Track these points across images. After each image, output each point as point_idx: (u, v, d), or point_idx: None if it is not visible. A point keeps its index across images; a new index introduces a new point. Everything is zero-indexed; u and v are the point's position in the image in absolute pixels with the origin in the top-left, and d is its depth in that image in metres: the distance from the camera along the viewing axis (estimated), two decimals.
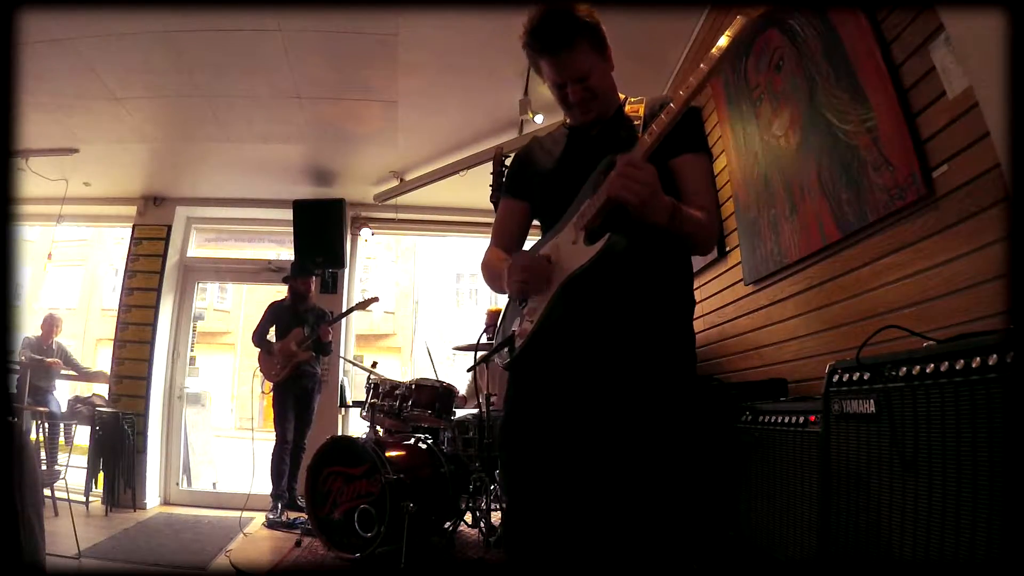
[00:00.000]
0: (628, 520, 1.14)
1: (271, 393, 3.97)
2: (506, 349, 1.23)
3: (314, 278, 4.19)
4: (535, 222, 1.41)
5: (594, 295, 1.15)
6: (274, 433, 3.93)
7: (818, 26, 1.83)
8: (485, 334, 3.36)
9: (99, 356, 11.54)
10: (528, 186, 1.37)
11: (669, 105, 1.10)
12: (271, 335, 4.07)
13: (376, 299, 4.06)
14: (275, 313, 4.09)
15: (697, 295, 2.91)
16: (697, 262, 2.87)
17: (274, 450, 3.84)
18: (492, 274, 1.34)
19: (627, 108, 1.28)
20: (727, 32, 1.09)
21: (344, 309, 4.34)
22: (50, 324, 4.66)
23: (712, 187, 1.29)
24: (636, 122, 1.23)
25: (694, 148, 1.24)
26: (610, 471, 1.15)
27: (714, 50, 1.08)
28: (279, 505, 3.70)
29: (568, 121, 1.37)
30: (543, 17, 1.17)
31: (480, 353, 3.04)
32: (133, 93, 3.31)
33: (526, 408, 1.24)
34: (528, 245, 1.38)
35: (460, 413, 3.26)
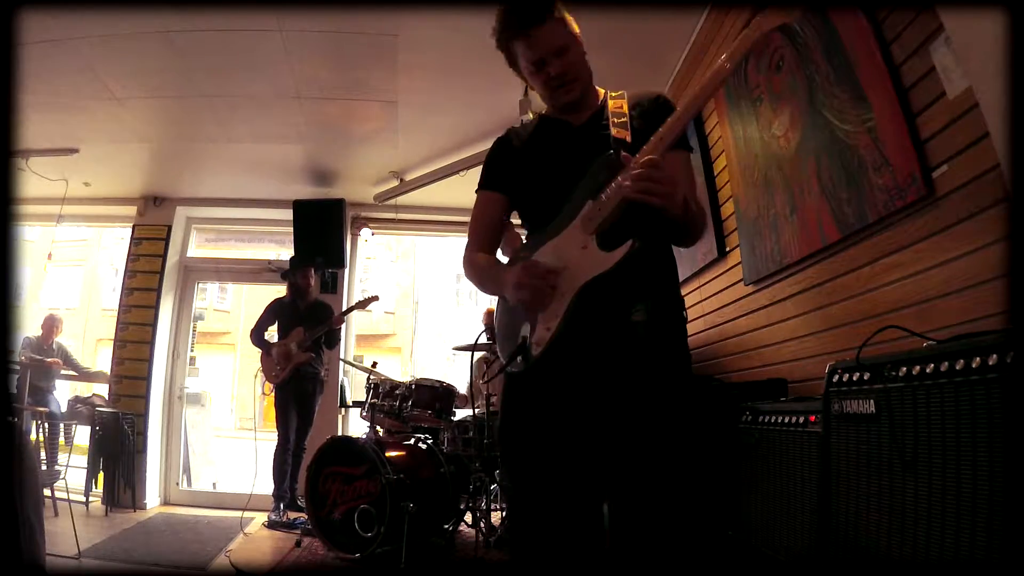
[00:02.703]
0: (635, 520, 1.14)
1: (272, 395, 3.96)
2: (519, 358, 1.18)
3: (313, 270, 4.17)
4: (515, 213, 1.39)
5: (612, 301, 1.14)
6: (275, 433, 3.93)
7: (818, 26, 1.83)
8: (484, 335, 3.37)
9: (99, 356, 11.53)
10: (507, 179, 1.33)
11: (670, 104, 1.12)
12: (273, 335, 4.07)
13: (376, 298, 4.06)
14: (276, 311, 4.08)
15: (697, 295, 2.93)
16: (697, 262, 2.87)
17: (276, 450, 3.84)
18: (481, 278, 1.31)
19: (610, 103, 1.26)
20: (739, 45, 1.11)
21: (344, 309, 4.34)
22: (50, 324, 4.66)
23: (695, 182, 1.30)
24: (622, 118, 1.21)
25: (682, 146, 1.25)
26: (625, 473, 1.15)
27: (732, 50, 1.10)
28: (281, 505, 3.70)
29: (546, 111, 1.36)
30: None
31: (479, 353, 3.03)
32: (133, 93, 3.31)
33: (540, 413, 1.21)
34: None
35: (460, 414, 3.27)
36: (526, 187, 1.31)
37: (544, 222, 1.23)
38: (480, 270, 1.31)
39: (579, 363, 1.16)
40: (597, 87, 1.32)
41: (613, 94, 1.29)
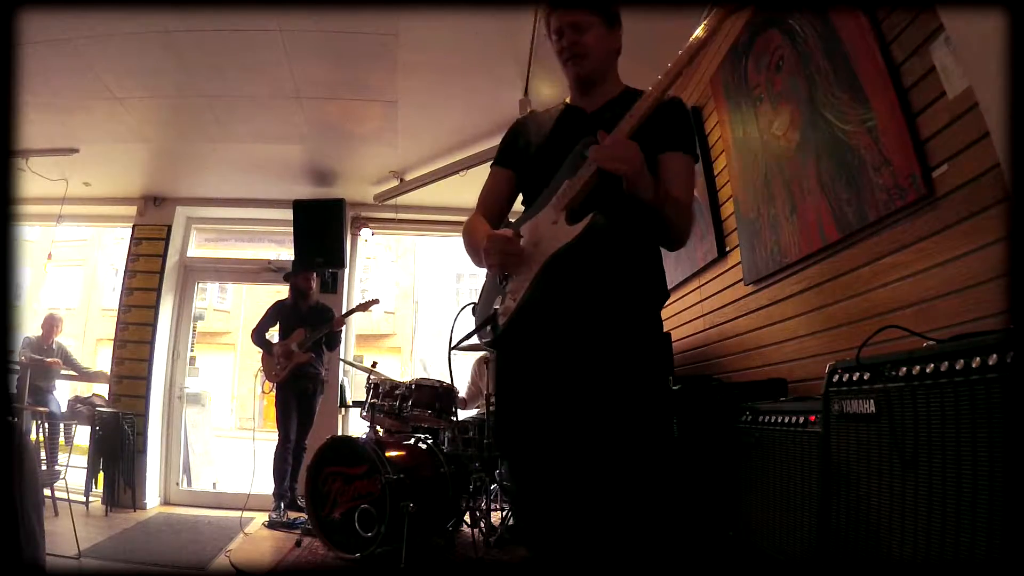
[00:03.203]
0: (611, 500, 1.16)
1: (272, 393, 3.96)
2: (489, 327, 1.26)
3: (314, 273, 4.18)
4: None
5: (575, 273, 1.17)
6: (275, 433, 3.93)
7: (818, 26, 1.83)
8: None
9: (99, 356, 11.54)
10: (516, 156, 1.40)
11: (648, 90, 1.16)
12: (275, 336, 4.07)
13: (376, 301, 4.07)
14: (277, 313, 4.09)
15: (697, 295, 2.93)
16: (697, 262, 2.87)
17: (276, 450, 3.84)
18: (471, 244, 1.37)
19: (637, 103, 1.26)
20: (704, 23, 1.17)
21: (344, 310, 4.34)
22: (50, 324, 4.66)
23: (691, 187, 1.30)
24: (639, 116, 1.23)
25: (683, 148, 1.28)
26: (593, 448, 1.17)
27: (692, 39, 1.16)
28: (281, 505, 3.70)
29: (568, 100, 1.41)
30: None
31: (479, 353, 3.03)
32: (133, 93, 3.31)
33: (512, 388, 1.28)
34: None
35: (462, 415, 3.26)
36: (532, 166, 1.35)
37: (533, 199, 1.29)
38: (470, 235, 1.38)
39: (543, 334, 1.20)
40: (629, 85, 1.37)
41: (633, 90, 1.33)
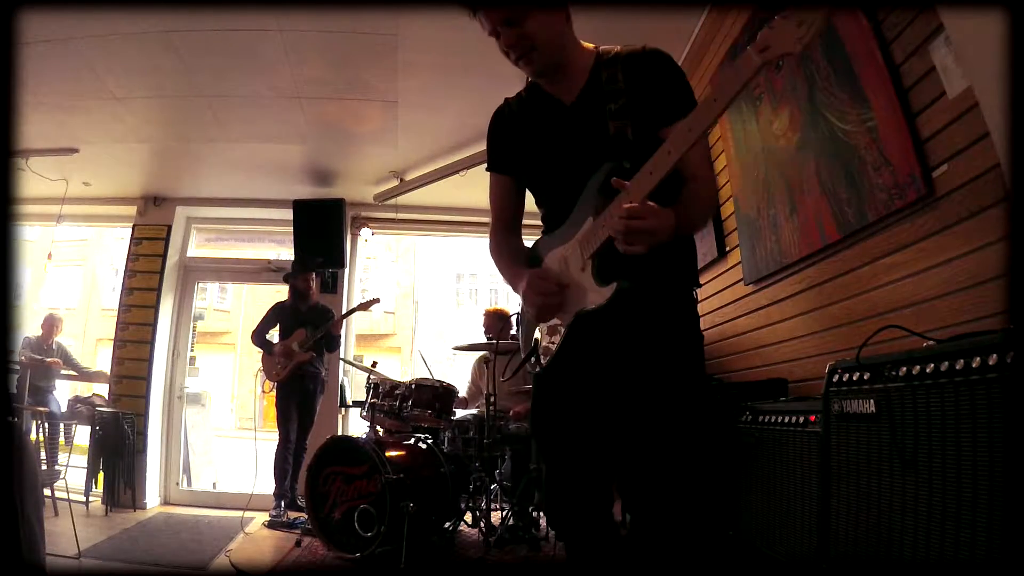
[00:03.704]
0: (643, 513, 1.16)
1: (273, 393, 3.96)
2: (533, 359, 1.28)
3: (314, 274, 4.17)
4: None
5: (605, 334, 1.16)
6: (276, 433, 3.93)
7: None
8: (485, 336, 3.38)
9: (99, 356, 11.53)
10: (511, 161, 1.34)
11: (668, 63, 1.14)
12: (275, 336, 4.07)
13: (377, 300, 4.06)
14: (278, 314, 4.09)
15: (697, 295, 2.93)
16: (697, 262, 2.87)
17: (277, 450, 3.84)
18: (502, 270, 1.34)
19: (603, 73, 1.17)
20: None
21: (344, 309, 4.34)
22: (50, 324, 4.66)
23: (708, 157, 1.26)
24: (619, 99, 1.14)
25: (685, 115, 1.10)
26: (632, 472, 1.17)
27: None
28: (282, 504, 3.70)
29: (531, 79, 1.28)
30: None
31: (479, 353, 3.03)
32: (133, 93, 3.31)
33: (552, 417, 1.27)
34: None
35: (460, 414, 3.26)
36: (530, 173, 1.32)
37: (553, 216, 1.25)
38: (501, 262, 1.34)
39: (579, 381, 1.20)
40: (586, 44, 1.23)
41: (605, 58, 1.19)
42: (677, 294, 1.21)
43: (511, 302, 4.69)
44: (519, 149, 1.31)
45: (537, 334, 1.27)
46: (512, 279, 1.27)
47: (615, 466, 1.19)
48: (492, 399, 2.95)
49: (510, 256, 1.33)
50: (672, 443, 1.12)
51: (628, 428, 1.15)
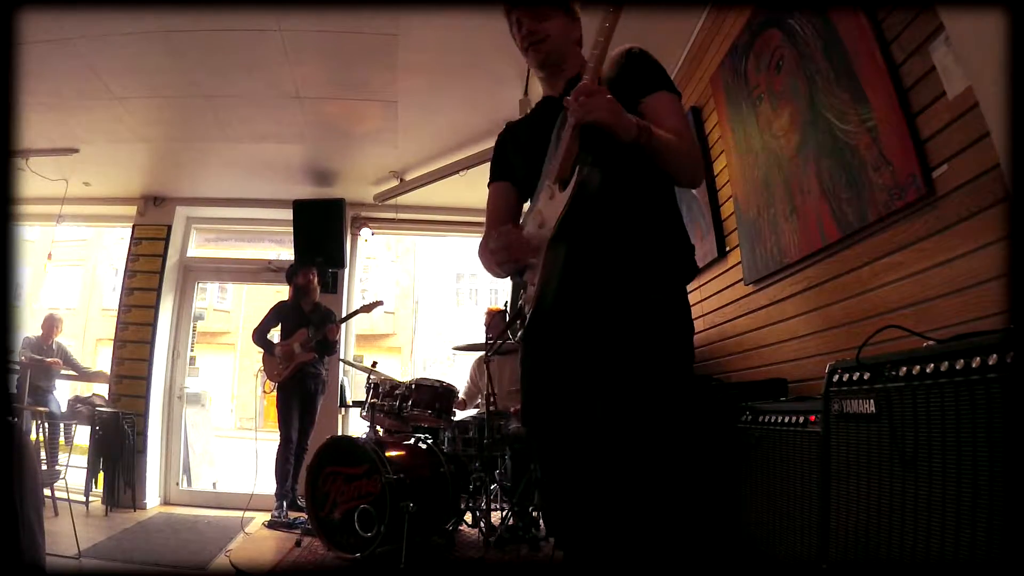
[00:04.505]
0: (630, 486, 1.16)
1: (273, 393, 3.96)
2: (518, 322, 1.26)
3: (314, 270, 4.16)
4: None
5: (583, 235, 1.15)
6: (275, 433, 3.93)
7: (818, 26, 1.83)
8: (487, 335, 3.37)
9: (99, 356, 11.54)
10: (509, 167, 1.41)
11: (642, 55, 1.23)
12: (275, 336, 4.07)
13: (380, 303, 4.06)
14: (279, 313, 4.08)
15: (697, 295, 2.93)
16: (697, 262, 2.87)
17: (279, 450, 3.84)
18: (485, 260, 1.36)
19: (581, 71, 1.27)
20: None
21: (344, 309, 4.34)
22: (50, 324, 4.66)
23: (684, 119, 1.27)
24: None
25: (658, 87, 1.26)
26: (614, 440, 1.16)
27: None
28: (283, 504, 3.70)
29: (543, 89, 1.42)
30: None
31: (479, 353, 3.02)
32: (133, 93, 3.31)
33: (538, 376, 1.28)
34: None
35: (460, 415, 3.26)
36: (523, 172, 1.35)
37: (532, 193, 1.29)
38: (481, 253, 1.36)
39: (566, 311, 1.19)
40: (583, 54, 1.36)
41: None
42: (666, 288, 1.21)
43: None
44: (518, 150, 1.36)
45: (474, 367, 1.28)
46: (488, 258, 1.29)
47: (606, 462, 1.19)
48: (492, 399, 2.95)
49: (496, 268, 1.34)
50: (650, 440, 1.12)
51: (610, 423, 1.15)
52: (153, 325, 4.43)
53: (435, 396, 3.07)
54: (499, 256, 1.19)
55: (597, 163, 1.11)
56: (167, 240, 4.62)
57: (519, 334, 1.27)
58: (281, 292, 4.27)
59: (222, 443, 7.17)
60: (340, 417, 4.57)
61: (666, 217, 1.26)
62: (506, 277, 1.32)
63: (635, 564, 1.12)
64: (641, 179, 1.21)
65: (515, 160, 1.38)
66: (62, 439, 4.26)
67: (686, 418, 1.18)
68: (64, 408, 4.38)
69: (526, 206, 1.41)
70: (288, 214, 4.54)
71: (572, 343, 1.20)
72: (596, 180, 1.10)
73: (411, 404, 3.03)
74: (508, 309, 1.43)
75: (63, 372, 4.62)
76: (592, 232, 1.16)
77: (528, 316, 1.21)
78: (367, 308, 4.04)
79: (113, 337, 4.54)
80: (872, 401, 1.17)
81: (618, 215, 1.17)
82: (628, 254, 1.17)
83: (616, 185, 1.16)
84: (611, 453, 1.16)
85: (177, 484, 4.48)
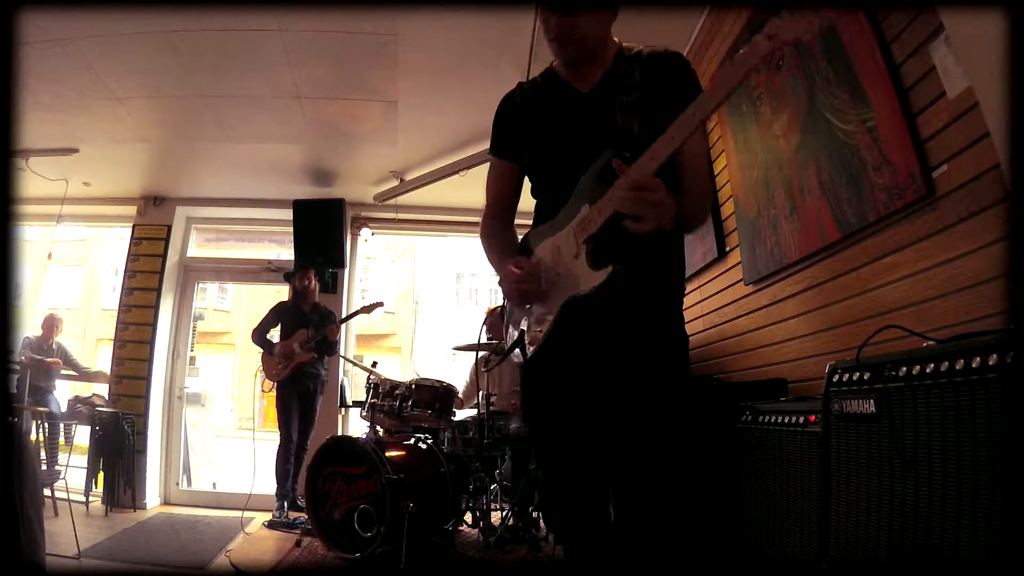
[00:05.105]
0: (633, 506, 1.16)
1: (273, 393, 3.96)
2: (518, 349, 1.26)
3: (313, 271, 4.16)
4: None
5: (596, 320, 1.15)
6: (274, 433, 3.92)
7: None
8: (486, 334, 3.37)
9: (99, 356, 11.54)
10: (517, 145, 1.33)
11: (687, 68, 1.16)
12: (275, 336, 4.07)
13: (381, 303, 4.06)
14: (279, 314, 4.08)
15: (697, 295, 2.92)
16: (697, 262, 2.87)
17: (279, 450, 3.84)
18: (490, 253, 1.35)
19: (621, 68, 1.20)
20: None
21: (344, 309, 4.34)
22: (50, 324, 4.66)
23: (706, 153, 1.25)
24: (631, 94, 1.16)
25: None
26: (621, 460, 1.17)
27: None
28: (284, 504, 3.70)
29: (554, 65, 1.31)
30: None
31: (484, 353, 3.04)
32: (133, 93, 3.31)
33: (542, 406, 1.28)
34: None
35: (460, 414, 3.26)
36: (533, 158, 1.30)
37: (549, 205, 1.24)
38: (490, 246, 1.35)
39: (566, 367, 1.19)
40: (616, 39, 1.26)
41: (627, 54, 1.22)
42: (667, 292, 1.21)
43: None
44: (526, 133, 1.31)
45: (524, 324, 1.27)
46: (498, 263, 1.29)
47: (608, 463, 1.19)
48: (491, 399, 2.95)
49: (500, 242, 1.33)
50: (652, 440, 1.12)
51: (613, 424, 1.15)
52: (153, 325, 4.43)
53: (435, 396, 3.07)
54: (509, 295, 1.20)
55: (627, 251, 1.06)
56: (167, 240, 4.62)
57: (522, 367, 1.27)
58: (281, 292, 4.27)
59: (222, 443, 7.17)
60: (340, 417, 4.57)
61: (674, 284, 1.24)
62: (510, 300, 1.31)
63: (636, 562, 1.12)
64: (662, 261, 1.19)
65: (522, 141, 1.31)
66: (62, 439, 4.26)
67: (686, 425, 1.20)
68: (64, 408, 4.38)
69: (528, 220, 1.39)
70: (288, 214, 4.54)
71: (575, 375, 1.21)
72: (621, 270, 1.07)
73: (411, 404, 3.03)
74: (504, 309, 1.41)
75: (63, 372, 4.62)
76: (607, 319, 1.15)
77: (531, 354, 1.22)
78: (367, 309, 4.04)
79: (113, 337, 4.54)
80: (872, 401, 1.17)
81: (633, 298, 1.15)
82: (638, 336, 1.16)
83: (637, 268, 1.12)
84: (614, 456, 1.16)
85: (177, 484, 4.48)
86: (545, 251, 1.22)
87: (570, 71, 1.26)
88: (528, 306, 1.25)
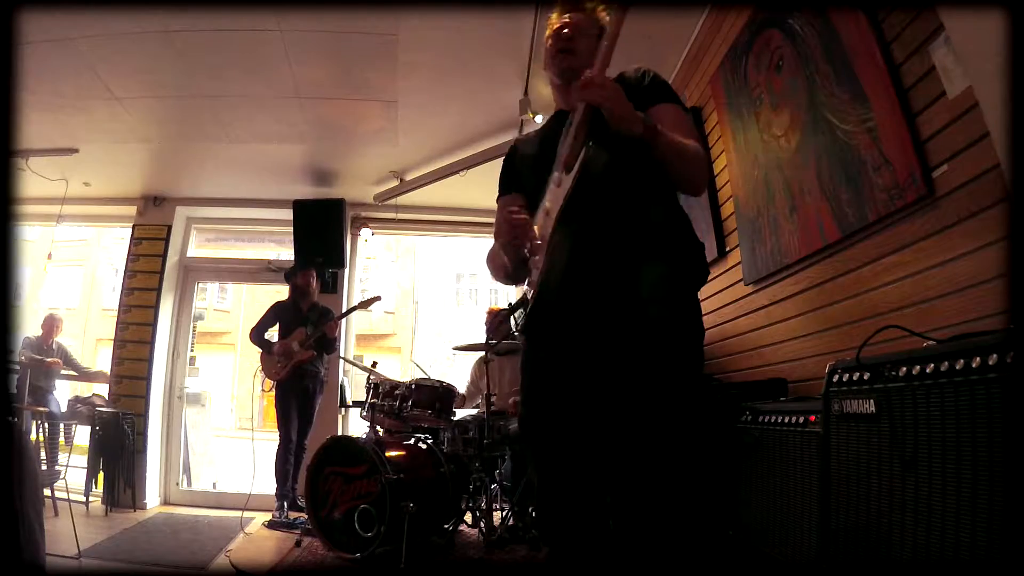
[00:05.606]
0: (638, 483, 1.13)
1: (272, 392, 3.96)
2: (521, 310, 1.24)
3: (313, 272, 4.16)
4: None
5: (589, 219, 1.14)
6: (274, 433, 3.92)
7: (818, 26, 1.83)
8: (487, 335, 3.37)
9: (99, 356, 11.54)
10: (517, 178, 1.40)
11: (657, 78, 1.23)
12: (274, 335, 4.06)
13: (378, 298, 4.05)
14: (278, 312, 4.08)
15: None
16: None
17: (279, 450, 3.84)
18: (493, 261, 1.36)
19: None
20: None
21: (345, 309, 4.34)
22: (50, 324, 4.66)
23: (691, 132, 1.25)
24: None
25: (665, 99, 1.26)
26: (615, 441, 1.15)
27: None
28: (284, 504, 3.70)
29: (555, 104, 1.41)
30: None
31: (480, 354, 3.02)
32: (133, 93, 3.31)
33: (539, 374, 1.25)
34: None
35: (460, 414, 3.26)
36: (528, 180, 1.34)
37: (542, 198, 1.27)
38: (490, 255, 1.37)
39: (569, 299, 1.16)
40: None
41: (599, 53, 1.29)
42: (678, 273, 1.19)
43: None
44: (526, 163, 1.36)
45: (474, 367, 1.27)
46: (496, 255, 1.31)
47: (607, 465, 1.17)
48: (491, 399, 2.95)
49: (504, 263, 1.33)
50: (658, 446, 1.10)
51: (614, 425, 1.14)
52: (153, 325, 4.43)
53: (435, 396, 3.07)
54: (503, 237, 1.18)
55: (604, 145, 1.10)
56: (167, 240, 4.62)
57: (521, 326, 1.25)
58: (281, 292, 4.27)
59: (222, 443, 7.18)
60: (340, 417, 4.57)
61: (671, 208, 1.24)
62: (514, 280, 1.31)
63: (637, 563, 1.12)
64: (647, 169, 1.18)
65: (524, 171, 1.36)
66: (62, 439, 4.26)
67: (696, 422, 1.16)
68: (64, 408, 4.38)
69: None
70: (288, 214, 4.54)
71: (577, 337, 1.16)
72: (602, 160, 1.09)
73: (411, 404, 3.03)
74: (511, 309, 1.39)
75: (63, 372, 4.62)
76: (598, 214, 1.14)
77: (531, 303, 1.19)
78: (365, 304, 4.03)
79: (113, 337, 4.54)
80: (872, 401, 1.17)
81: (624, 198, 1.16)
82: (634, 238, 1.14)
83: (622, 170, 1.15)
84: (618, 455, 1.15)
85: (177, 484, 4.48)
86: (539, 211, 1.23)
87: (560, 92, 1.35)
88: (527, 255, 1.21)
